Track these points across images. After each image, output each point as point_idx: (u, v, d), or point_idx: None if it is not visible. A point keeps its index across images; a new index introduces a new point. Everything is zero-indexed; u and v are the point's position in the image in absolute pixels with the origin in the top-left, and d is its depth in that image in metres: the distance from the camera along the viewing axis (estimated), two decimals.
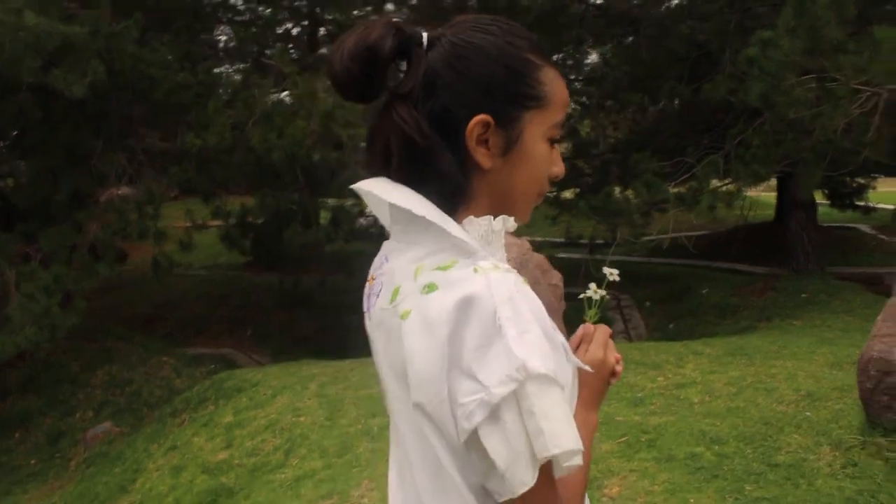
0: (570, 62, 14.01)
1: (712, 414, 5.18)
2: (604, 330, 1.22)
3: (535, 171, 1.08)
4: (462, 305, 0.94)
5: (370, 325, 1.12)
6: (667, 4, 12.90)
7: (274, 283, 12.54)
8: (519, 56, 1.05)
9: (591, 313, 1.25)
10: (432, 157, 1.03)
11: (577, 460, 0.95)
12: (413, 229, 1.04)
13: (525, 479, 0.93)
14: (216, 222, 11.02)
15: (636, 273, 13.16)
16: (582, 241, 12.10)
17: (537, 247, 7.55)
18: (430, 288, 0.98)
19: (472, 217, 1.06)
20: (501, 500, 0.97)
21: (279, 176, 9.48)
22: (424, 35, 1.05)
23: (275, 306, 13.03)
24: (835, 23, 7.35)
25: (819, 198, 15.55)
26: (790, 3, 7.55)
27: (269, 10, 12.68)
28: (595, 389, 1.18)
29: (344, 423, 6.12)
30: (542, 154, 1.08)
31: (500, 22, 1.07)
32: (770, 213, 15.80)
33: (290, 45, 12.41)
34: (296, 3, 12.82)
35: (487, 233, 1.06)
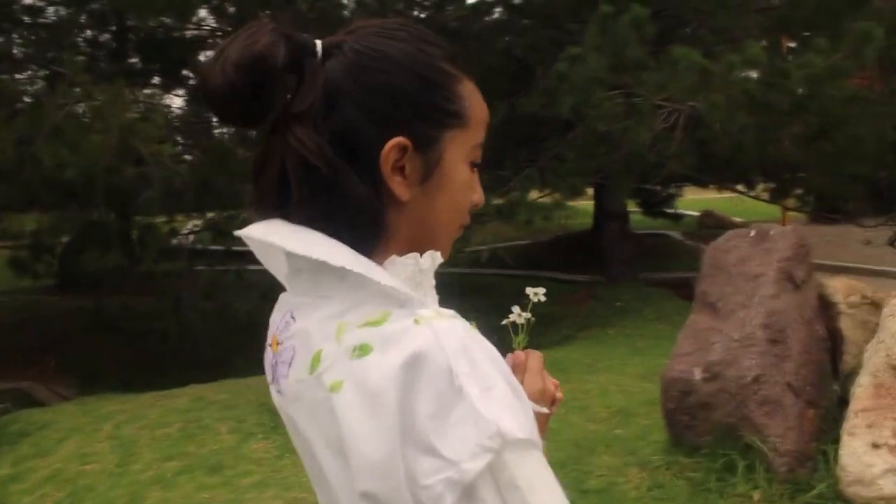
0: None
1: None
2: (536, 356, 1.06)
3: (457, 200, 0.93)
4: (408, 366, 0.77)
5: (281, 399, 0.92)
6: (486, 19, 12.95)
7: (81, 307, 11.47)
8: (434, 66, 0.89)
9: (519, 339, 1.15)
10: (340, 187, 0.85)
11: None
12: (325, 279, 0.86)
13: None
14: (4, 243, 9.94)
15: (462, 285, 13.09)
16: None
17: None
18: (363, 350, 0.80)
19: (394, 257, 0.88)
20: None
21: (74, 194, 8.60)
22: (318, 43, 0.87)
23: (79, 333, 11.94)
24: (635, 42, 7.48)
25: (632, 206, 16.21)
26: (594, 22, 7.64)
27: (67, 12, 11.58)
28: (540, 423, 0.93)
29: (136, 470, 5.50)
30: (463, 180, 0.92)
31: (409, 27, 0.91)
32: (589, 222, 16.29)
33: (94, 53, 11.30)
34: (97, 6, 11.75)
35: (415, 273, 0.89)
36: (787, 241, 4.17)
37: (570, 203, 10.90)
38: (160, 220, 10.67)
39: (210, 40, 13.11)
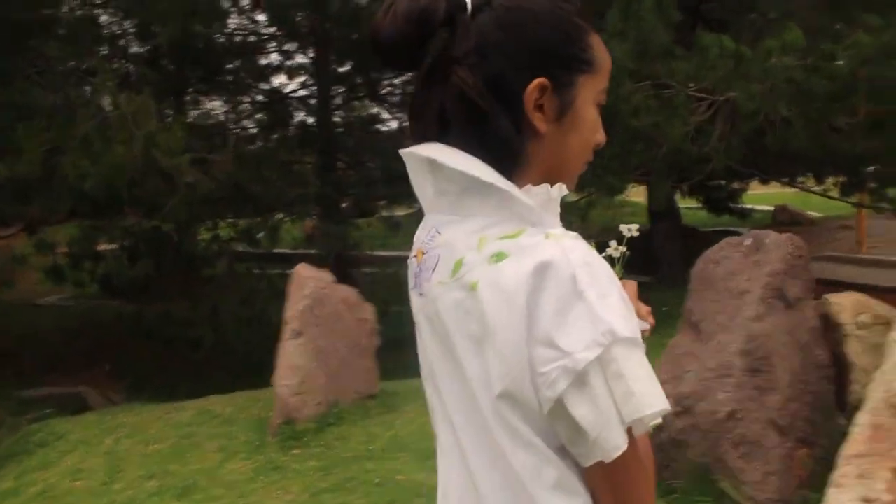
0: None
1: None
2: (632, 285, 1.15)
3: (585, 137, 1.05)
4: (538, 271, 0.91)
5: (422, 301, 1.05)
6: None
7: (121, 314, 11.50)
8: (570, 20, 1.03)
9: (616, 270, 1.16)
10: (492, 121, 1.00)
11: (659, 419, 0.92)
12: (470, 199, 1.00)
13: (619, 443, 0.91)
14: (62, 250, 10.01)
15: None
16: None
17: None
18: (500, 257, 0.95)
19: (529, 185, 1.00)
20: (588, 463, 0.93)
21: (101, 204, 8.54)
22: (468, 1, 1.01)
23: (129, 339, 12.00)
24: (661, 27, 6.82)
25: (694, 203, 15.28)
26: (616, 6, 7.00)
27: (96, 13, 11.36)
28: None
29: (116, 489, 5.30)
30: (592, 119, 1.05)
31: None
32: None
33: (124, 61, 11.15)
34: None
35: (546, 201, 1.01)
36: (779, 253, 3.54)
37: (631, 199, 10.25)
38: (199, 227, 10.56)
39: (252, 45, 13.01)
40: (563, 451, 0.96)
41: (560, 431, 0.94)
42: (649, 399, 0.91)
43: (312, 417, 5.45)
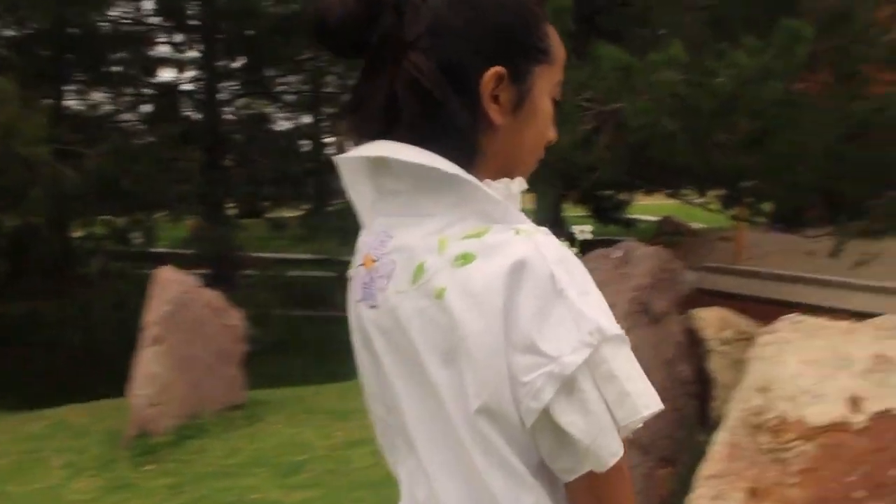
0: None
1: (369, 484, 4.26)
2: None
3: (541, 131, 0.98)
4: (513, 271, 0.83)
5: (373, 314, 0.94)
6: None
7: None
8: (529, 6, 0.95)
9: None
10: (446, 112, 0.90)
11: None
12: (424, 197, 0.91)
13: (615, 450, 0.85)
14: None
15: None
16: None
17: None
18: (466, 258, 0.86)
19: (488, 180, 0.92)
20: (574, 476, 0.86)
21: None
22: None
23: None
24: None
25: (582, 212, 15.48)
26: None
27: None
28: None
29: None
30: (548, 112, 0.98)
31: None
32: None
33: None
34: None
35: (507, 196, 0.92)
36: (646, 266, 3.44)
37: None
38: (72, 223, 9.88)
39: (140, 35, 12.38)
40: (540, 472, 0.89)
41: (542, 446, 0.86)
42: (645, 399, 0.85)
43: (170, 430, 5.08)
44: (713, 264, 14.55)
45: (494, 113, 0.92)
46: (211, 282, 11.18)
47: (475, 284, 0.84)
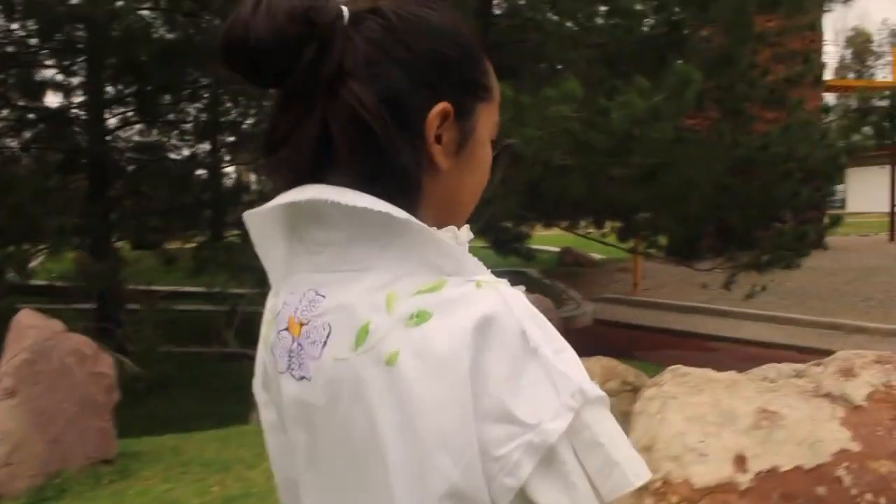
0: None
1: None
2: None
3: (483, 173, 0.87)
4: (480, 329, 0.71)
5: (299, 388, 0.79)
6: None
7: None
8: (471, 39, 0.85)
9: None
10: (390, 150, 0.78)
11: None
12: (361, 249, 0.78)
13: None
14: None
15: None
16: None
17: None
18: (421, 317, 0.73)
19: (433, 228, 0.78)
20: None
21: None
22: (345, 8, 0.80)
23: None
24: None
25: (482, 243, 15.47)
26: None
27: None
28: None
29: None
30: (488, 153, 0.87)
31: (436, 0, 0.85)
32: None
33: None
34: None
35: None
36: None
37: None
38: None
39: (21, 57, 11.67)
40: None
41: None
42: (634, 468, 0.74)
43: (23, 492, 4.59)
44: (612, 295, 14.78)
45: (438, 154, 0.81)
46: (94, 317, 10.56)
47: (434, 346, 0.72)
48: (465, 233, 0.85)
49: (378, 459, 0.74)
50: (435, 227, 0.79)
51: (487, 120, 0.86)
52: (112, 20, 9.53)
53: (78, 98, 12.54)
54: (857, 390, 2.81)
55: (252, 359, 0.92)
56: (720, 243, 10.95)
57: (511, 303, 0.74)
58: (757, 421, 2.79)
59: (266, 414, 0.88)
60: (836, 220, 11.85)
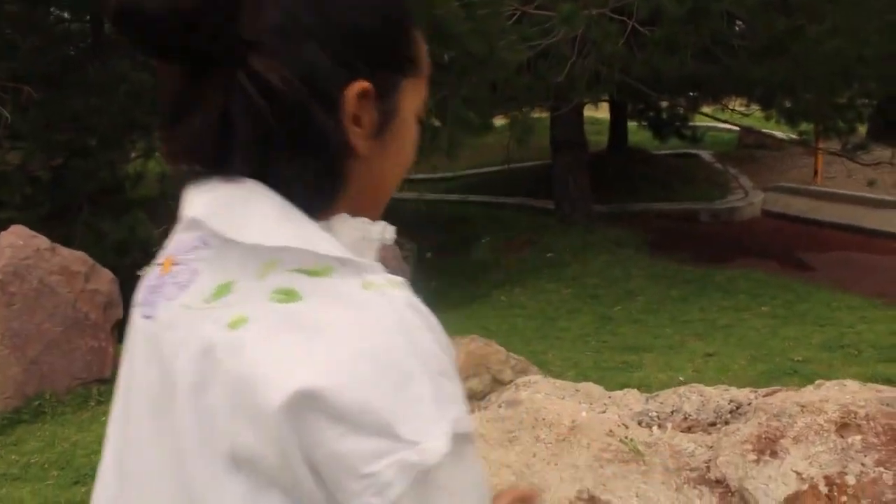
0: None
1: None
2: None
3: (407, 157, 0.72)
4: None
5: (149, 326, 0.67)
6: None
7: None
8: (398, 4, 0.69)
9: None
10: (309, 130, 0.63)
11: None
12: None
13: None
14: None
15: (431, 215, 11.22)
16: None
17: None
18: (290, 296, 0.60)
19: (345, 215, 0.67)
20: None
21: None
22: None
23: None
24: None
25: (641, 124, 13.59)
26: None
27: None
28: None
29: None
30: (414, 134, 0.72)
31: None
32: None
33: None
34: None
35: (359, 241, 0.67)
36: None
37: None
38: None
39: None
40: None
41: None
42: None
43: None
44: (788, 184, 12.40)
45: (357, 138, 0.65)
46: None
47: (296, 324, 0.58)
48: (381, 231, 0.69)
49: (171, 420, 0.62)
50: (345, 214, 0.67)
51: (414, 97, 0.71)
52: None
53: None
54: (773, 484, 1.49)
55: None
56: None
57: (401, 310, 0.60)
58: None
59: (124, 347, 0.76)
60: None
